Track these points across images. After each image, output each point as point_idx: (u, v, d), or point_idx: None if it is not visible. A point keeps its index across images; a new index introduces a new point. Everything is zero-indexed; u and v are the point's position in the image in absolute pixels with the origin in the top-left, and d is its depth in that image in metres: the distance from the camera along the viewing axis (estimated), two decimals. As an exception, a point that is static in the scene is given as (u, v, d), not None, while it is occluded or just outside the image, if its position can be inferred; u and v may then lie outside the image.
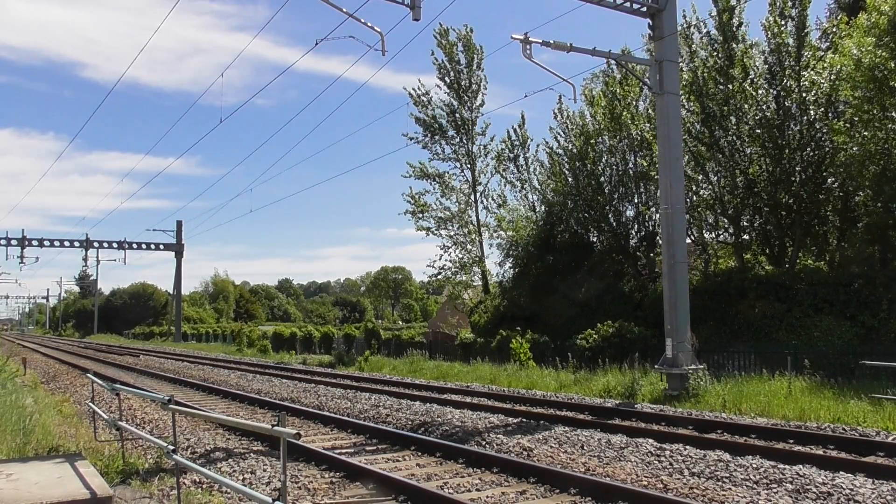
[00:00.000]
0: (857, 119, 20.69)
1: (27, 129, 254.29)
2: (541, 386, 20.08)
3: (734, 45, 24.45)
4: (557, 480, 8.38)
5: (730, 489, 8.12)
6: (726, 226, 26.69)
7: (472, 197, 36.92)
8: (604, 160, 30.29)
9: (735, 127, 24.34)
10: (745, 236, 26.16)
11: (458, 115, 36.68)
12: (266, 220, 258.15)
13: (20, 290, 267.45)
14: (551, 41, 16.89)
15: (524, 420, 13.56)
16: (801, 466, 9.00)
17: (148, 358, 41.35)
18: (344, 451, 10.82)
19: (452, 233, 36.58)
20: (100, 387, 11.65)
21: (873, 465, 9.01)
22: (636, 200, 30.00)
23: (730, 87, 24.02)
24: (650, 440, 11.01)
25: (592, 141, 30.25)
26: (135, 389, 12.63)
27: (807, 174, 23.26)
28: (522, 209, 35.12)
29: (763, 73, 24.11)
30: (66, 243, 67.64)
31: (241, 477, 9.06)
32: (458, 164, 37.01)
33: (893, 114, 19.52)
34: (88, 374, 13.69)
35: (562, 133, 32.13)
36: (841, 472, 8.71)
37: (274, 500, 5.30)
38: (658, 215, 24.96)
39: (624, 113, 28.86)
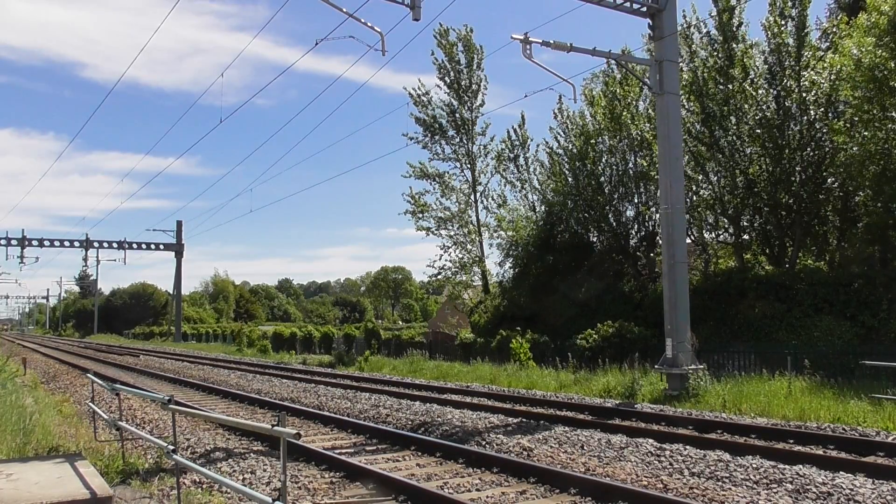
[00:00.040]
0: (857, 119, 20.69)
1: (27, 129, 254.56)
2: (541, 386, 20.08)
3: (734, 45, 24.46)
4: (557, 480, 8.38)
5: (730, 489, 8.12)
6: (726, 226, 26.69)
7: (472, 197, 36.94)
8: (604, 160, 30.29)
9: (735, 127, 24.34)
10: (745, 236, 26.16)
11: (458, 115, 36.68)
12: (266, 220, 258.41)
13: (20, 290, 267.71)
14: (551, 41, 16.90)
15: (524, 420, 13.56)
16: (801, 466, 9.00)
17: (148, 358, 41.35)
18: (344, 451, 10.82)
19: (452, 233, 36.59)
20: (100, 387, 11.65)
21: (873, 465, 9.01)
22: (636, 200, 30.01)
23: (730, 87, 24.02)
24: (650, 440, 11.01)
25: (592, 141, 30.25)
26: (135, 389, 12.63)
27: (807, 174, 23.26)
28: (522, 209, 35.15)
29: (763, 73, 24.11)
30: (66, 243, 67.68)
31: (241, 477, 9.06)
32: (458, 164, 37.06)
33: (893, 114, 19.51)
34: (88, 374, 13.69)
35: (562, 133, 32.16)
36: (841, 472, 8.71)
37: (274, 500, 5.30)
38: (658, 215, 24.96)
39: (624, 113, 28.86)
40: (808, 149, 23.25)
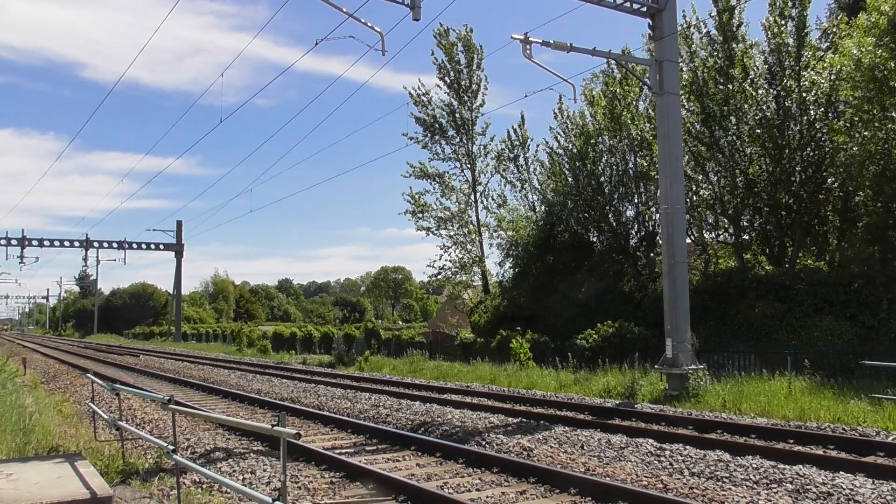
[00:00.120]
0: (857, 119, 20.69)
1: (27, 129, 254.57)
2: (541, 386, 20.08)
3: (734, 45, 24.46)
4: (557, 480, 8.38)
5: (730, 489, 8.12)
6: (726, 226, 26.69)
7: (472, 197, 36.93)
8: (604, 160, 30.29)
9: (735, 127, 24.34)
10: (745, 236, 26.16)
11: (458, 115, 36.66)
12: (266, 220, 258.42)
13: (20, 290, 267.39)
14: (551, 41, 16.89)
15: (524, 420, 13.56)
16: (801, 466, 9.00)
17: (148, 358, 41.35)
18: (344, 450, 10.82)
19: (452, 233, 36.58)
20: (100, 387, 11.66)
21: (873, 465, 9.01)
22: (636, 200, 30.01)
23: (730, 87, 24.02)
24: (650, 440, 11.01)
25: (592, 141, 30.25)
26: (135, 389, 12.64)
27: (807, 174, 23.26)
28: (522, 209, 35.15)
29: (763, 73, 24.11)
30: (66, 243, 67.66)
31: (241, 477, 9.06)
32: (458, 164, 37.04)
33: (893, 114, 19.51)
34: (88, 374, 13.69)
35: (562, 133, 32.16)
36: (841, 472, 8.71)
37: (274, 500, 5.30)
38: (658, 215, 24.96)
39: (624, 113, 28.86)
40: (808, 149, 23.25)
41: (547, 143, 36.62)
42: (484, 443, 11.29)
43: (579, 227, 31.22)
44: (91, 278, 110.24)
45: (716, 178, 25.63)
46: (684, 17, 24.84)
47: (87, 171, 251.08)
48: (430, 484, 8.50)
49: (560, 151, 32.15)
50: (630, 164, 29.56)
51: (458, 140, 36.86)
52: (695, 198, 25.97)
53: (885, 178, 19.82)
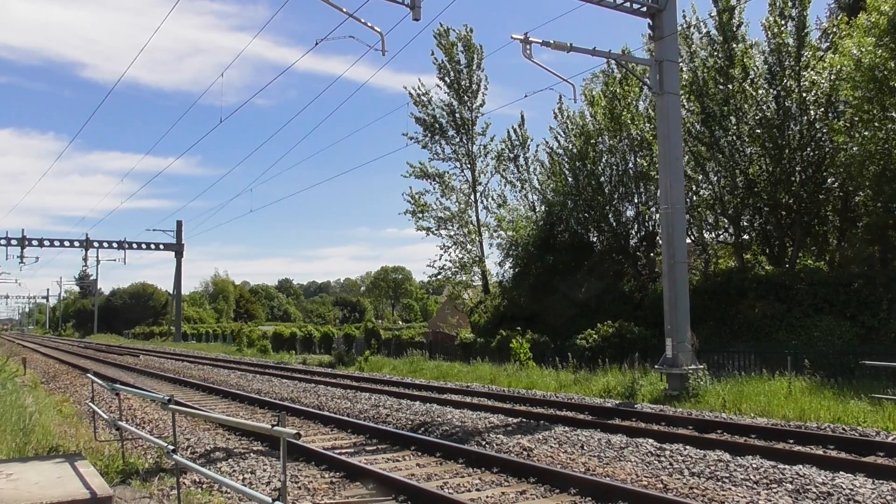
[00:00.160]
0: (857, 119, 20.69)
1: (27, 129, 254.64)
2: (541, 386, 20.07)
3: (734, 45, 24.46)
4: (557, 480, 8.38)
5: (730, 489, 8.12)
6: (726, 226, 26.69)
7: (472, 197, 36.92)
8: (604, 160, 30.29)
9: (735, 127, 24.34)
10: (745, 236, 26.16)
11: (458, 115, 36.66)
12: (266, 220, 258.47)
13: (20, 290, 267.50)
14: (551, 41, 16.89)
15: (524, 420, 13.56)
16: (801, 466, 9.00)
17: (148, 358, 41.35)
18: (344, 450, 10.82)
19: (452, 233, 36.58)
20: (100, 387, 11.66)
21: (873, 465, 9.01)
22: (636, 200, 30.00)
23: (730, 87, 24.02)
24: (650, 440, 11.01)
25: (592, 141, 30.25)
26: (135, 389, 12.64)
27: (807, 174, 23.26)
28: (522, 209, 35.14)
29: (763, 73, 24.11)
30: (66, 243, 67.65)
31: (241, 477, 9.06)
32: (458, 164, 37.03)
33: (893, 114, 19.51)
34: (88, 374, 13.69)
35: (562, 133, 32.16)
36: (841, 472, 8.71)
37: (274, 500, 5.30)
38: (658, 215, 24.95)
39: (624, 113, 28.86)
40: (808, 149, 23.25)
41: (547, 143, 36.66)
42: (484, 443, 11.29)
43: (579, 227, 31.22)
44: (91, 278, 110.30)
45: (716, 178, 25.63)
46: (684, 17, 24.89)
47: (87, 171, 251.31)
48: (430, 484, 8.50)
49: (560, 151, 32.15)
50: (630, 164, 29.56)
51: (458, 140, 36.87)
52: (695, 198, 25.97)
53: (885, 178, 19.82)
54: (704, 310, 22.86)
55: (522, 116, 45.19)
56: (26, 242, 63.61)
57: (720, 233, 27.62)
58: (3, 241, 62.81)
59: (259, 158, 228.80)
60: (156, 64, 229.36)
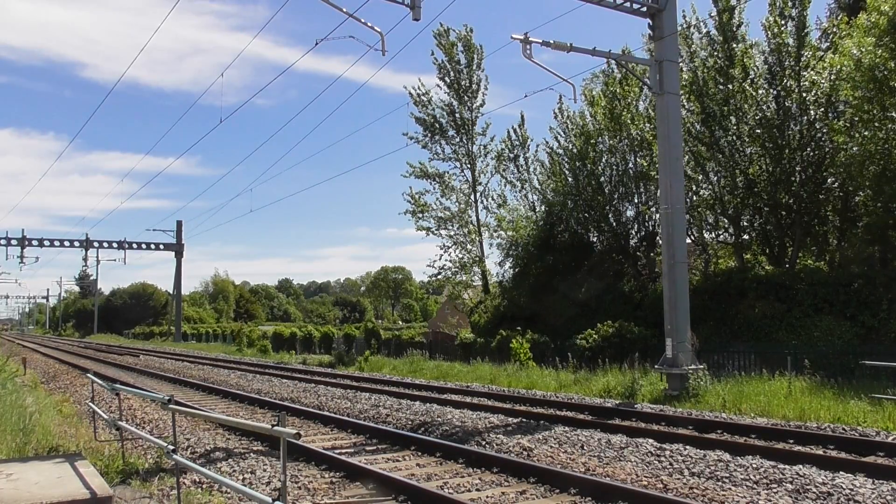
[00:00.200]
0: (857, 119, 20.70)
1: (27, 129, 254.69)
2: (541, 386, 20.07)
3: (734, 45, 24.46)
4: (557, 480, 8.38)
5: (730, 489, 8.12)
6: (726, 226, 26.69)
7: (472, 197, 36.93)
8: (604, 160, 30.29)
9: (735, 127, 24.34)
10: (745, 236, 26.16)
11: (458, 115, 36.66)
12: (266, 220, 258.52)
13: (20, 290, 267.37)
14: (551, 41, 16.89)
15: (524, 420, 13.56)
16: (801, 466, 9.00)
17: (148, 358, 41.35)
18: (344, 450, 10.82)
19: (452, 233, 36.58)
20: (100, 387, 11.66)
21: (873, 465, 9.01)
22: (636, 200, 30.01)
23: (730, 87, 24.02)
24: (650, 440, 11.01)
25: (592, 141, 30.25)
26: (135, 389, 12.64)
27: (807, 174, 23.26)
28: (522, 209, 35.15)
29: (763, 73, 24.11)
30: (66, 243, 67.65)
31: (241, 477, 9.06)
32: (458, 164, 37.04)
33: (893, 114, 19.51)
34: (88, 374, 13.69)
35: (562, 133, 32.17)
36: (841, 472, 8.71)
37: (274, 500, 5.30)
38: (658, 215, 24.95)
39: (624, 113, 28.86)
40: (808, 149, 23.25)
41: (547, 143, 36.68)
42: (484, 443, 11.29)
43: (579, 227, 31.22)
44: (91, 278, 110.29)
45: (716, 178, 25.63)
46: (684, 17, 24.88)
47: (87, 171, 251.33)
48: (430, 484, 8.50)
49: (560, 151, 32.15)
50: (630, 164, 29.56)
51: (458, 140, 36.87)
52: (695, 198, 25.97)
53: (885, 178, 19.82)
54: (704, 310, 22.86)
55: (522, 116, 45.22)
56: (26, 242, 63.63)
57: (720, 233, 27.63)
58: (3, 241, 62.83)
59: (259, 158, 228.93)
60: (156, 64, 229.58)
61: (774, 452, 9.95)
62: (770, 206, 24.07)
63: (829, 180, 23.57)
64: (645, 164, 27.78)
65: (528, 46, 16.69)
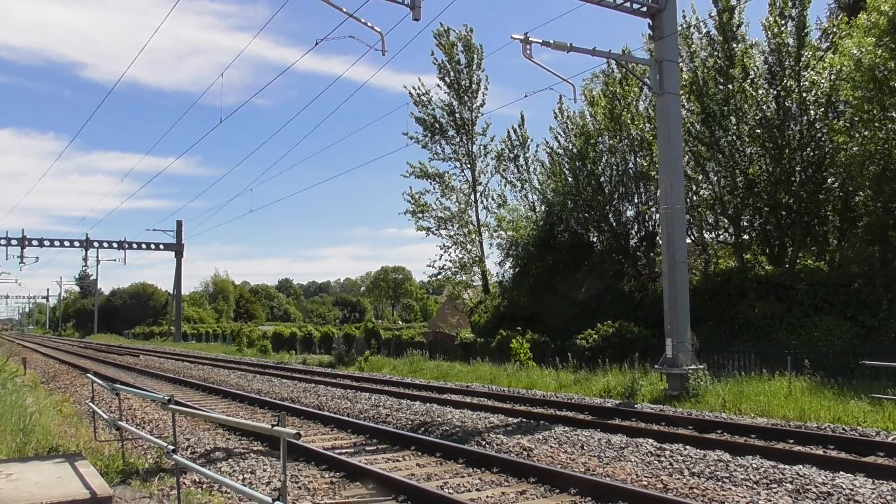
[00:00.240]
0: (857, 119, 20.70)
1: (27, 129, 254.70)
2: (541, 386, 20.08)
3: (734, 45, 24.46)
4: (557, 480, 8.38)
5: (730, 489, 8.12)
6: (726, 226, 26.69)
7: (472, 197, 36.93)
8: (604, 160, 30.30)
9: (735, 127, 24.34)
10: (745, 236, 26.16)
11: (458, 115, 36.66)
12: (266, 220, 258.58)
13: (20, 290, 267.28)
14: (551, 41, 16.89)
15: (524, 420, 13.56)
16: (801, 466, 9.00)
17: (148, 358, 41.35)
18: (344, 450, 10.82)
19: (452, 233, 36.58)
20: (100, 387, 11.66)
21: (873, 465, 9.01)
22: (636, 200, 30.01)
23: (730, 87, 24.02)
24: (650, 440, 11.01)
25: (592, 141, 30.26)
26: (135, 389, 12.63)
27: (807, 174, 23.26)
28: (522, 209, 35.15)
29: (763, 73, 24.11)
30: (66, 243, 67.66)
31: (241, 477, 9.06)
32: (458, 164, 37.04)
33: (893, 114, 19.51)
34: (88, 374, 13.69)
35: (562, 133, 32.17)
36: (841, 472, 8.71)
37: (274, 500, 5.30)
38: (658, 215, 24.95)
39: (624, 113, 28.87)
40: (808, 149, 23.25)
41: (547, 143, 36.69)
42: (484, 443, 11.29)
43: (579, 227, 31.22)
44: (91, 278, 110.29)
45: (716, 178, 25.63)
46: (684, 17, 24.88)
47: (87, 171, 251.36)
48: (430, 484, 8.50)
49: (560, 151, 32.16)
50: (630, 164, 29.56)
51: (458, 140, 36.87)
52: (695, 198, 25.97)
53: (885, 178, 19.81)
54: (704, 310, 22.86)
55: (522, 116, 45.21)
56: (26, 242, 63.63)
57: (720, 233, 27.63)
58: (3, 241, 62.83)
59: (259, 158, 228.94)
60: (156, 64, 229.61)
61: (774, 452, 9.95)
62: (770, 206, 24.07)
63: (829, 180, 23.58)
64: (645, 164, 27.78)
65: (528, 46, 16.69)
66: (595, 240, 31.58)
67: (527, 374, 22.13)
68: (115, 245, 70.38)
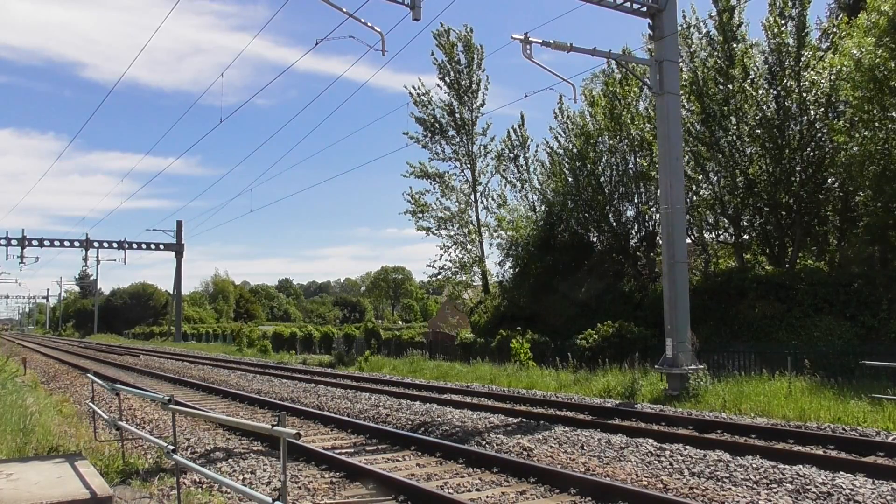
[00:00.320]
0: (857, 119, 20.70)
1: (27, 129, 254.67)
2: (541, 386, 20.07)
3: (734, 45, 24.47)
4: (557, 480, 8.38)
5: (730, 489, 8.12)
6: (726, 226, 26.70)
7: (472, 197, 36.94)
8: (604, 160, 30.30)
9: (735, 127, 24.35)
10: (745, 236, 26.17)
11: (458, 115, 36.67)
12: (266, 220, 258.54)
13: (20, 290, 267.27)
14: (551, 41, 16.89)
15: (524, 420, 13.56)
16: (801, 466, 9.00)
17: (148, 358, 41.35)
18: (344, 450, 10.82)
19: (452, 233, 36.59)
20: (100, 387, 11.65)
21: (873, 465, 9.01)
22: (636, 200, 30.01)
23: (730, 87, 24.03)
24: (650, 440, 11.01)
25: (592, 141, 30.26)
26: (135, 389, 12.63)
27: (807, 174, 23.26)
28: (522, 209, 35.16)
29: (763, 73, 24.11)
30: (66, 243, 67.67)
31: (241, 477, 9.06)
32: (458, 164, 37.06)
33: (893, 114, 19.51)
34: (88, 374, 13.69)
35: (562, 133, 32.19)
36: (841, 472, 8.71)
37: (274, 500, 5.30)
38: (658, 215, 24.95)
39: (624, 113, 28.87)
40: (808, 149, 23.25)
41: (547, 143, 36.67)
42: (484, 443, 11.29)
43: (579, 227, 31.23)
44: (91, 278, 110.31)
45: (716, 178, 25.64)
46: (684, 17, 24.90)
47: (87, 171, 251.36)
48: (430, 484, 8.50)
49: (560, 151, 32.17)
50: (630, 164, 29.57)
51: (458, 140, 36.88)
52: (695, 198, 25.97)
53: (885, 178, 19.82)
54: (704, 310, 22.86)
55: (522, 116, 45.09)
56: (26, 242, 63.64)
57: (720, 233, 27.64)
58: (3, 241, 62.84)
59: (259, 158, 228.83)
60: (156, 64, 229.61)
61: (774, 452, 9.95)
62: (770, 206, 24.08)
63: (829, 180, 23.59)
64: (645, 164, 27.78)
65: (528, 46, 16.69)
66: (595, 240, 31.59)
67: (527, 374, 22.13)
68: (115, 245, 70.40)
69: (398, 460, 10.20)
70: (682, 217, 18.08)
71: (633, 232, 30.36)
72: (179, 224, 74.70)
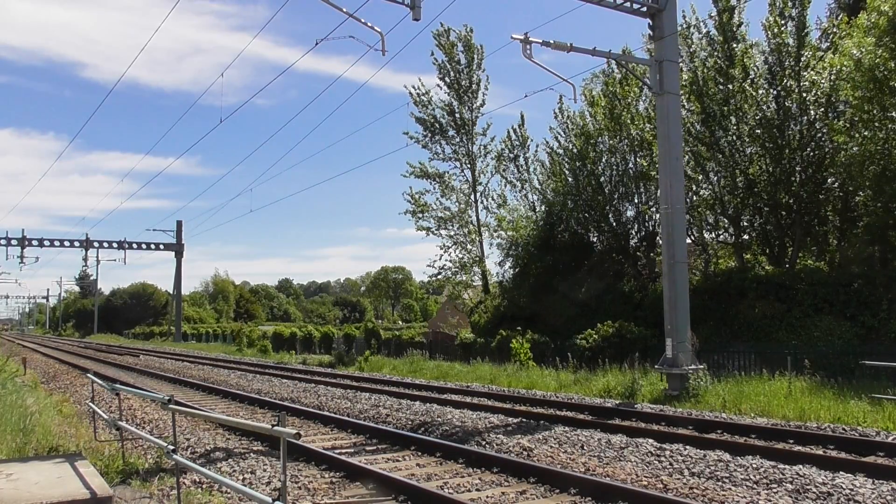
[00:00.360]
0: (857, 119, 20.70)
1: (27, 129, 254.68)
2: (541, 386, 20.07)
3: (734, 45, 24.47)
4: (557, 480, 8.38)
5: (730, 489, 8.12)
6: (726, 226, 26.70)
7: (472, 197, 36.94)
8: (604, 160, 30.31)
9: (735, 127, 24.35)
10: (745, 236, 26.17)
11: (458, 115, 36.67)
12: (266, 220, 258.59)
13: (20, 290, 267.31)
14: (551, 41, 16.89)
15: (524, 420, 13.56)
16: (801, 466, 9.00)
17: (148, 358, 41.35)
18: (344, 450, 10.82)
19: (452, 233, 36.59)
20: (100, 387, 11.65)
21: (873, 465, 9.01)
22: (636, 200, 30.02)
23: (730, 87, 24.03)
24: (650, 440, 11.01)
25: (592, 141, 30.27)
26: (135, 389, 12.63)
27: (807, 174, 23.26)
28: (522, 209, 35.16)
29: (763, 73, 24.12)
30: (66, 243, 67.67)
31: (241, 477, 9.06)
32: (458, 164, 37.06)
33: (893, 114, 19.51)
34: (88, 374, 13.69)
35: (562, 133, 32.20)
36: (841, 472, 8.71)
37: (274, 500, 5.30)
38: (658, 215, 24.95)
39: (624, 113, 28.87)
40: (808, 149, 23.25)
41: (547, 143, 36.68)
42: (484, 443, 11.29)
43: (579, 227, 31.23)
44: (91, 278, 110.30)
45: (716, 178, 25.64)
46: (684, 17, 24.90)
47: (87, 171, 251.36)
48: (430, 484, 8.50)
49: (560, 151, 32.17)
50: (630, 164, 29.57)
51: (458, 140, 36.88)
52: (695, 198, 25.97)
53: (885, 178, 19.82)
54: (704, 310, 22.86)
55: (522, 116, 45.06)
56: (26, 242, 63.64)
57: (720, 233, 27.64)
58: (3, 241, 62.84)
59: (259, 158, 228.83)
60: (156, 64, 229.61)
61: (774, 452, 9.95)
62: (770, 206, 24.08)
63: (829, 180, 23.59)
64: (645, 164, 27.79)
65: (528, 46, 16.69)
66: (595, 240, 31.59)
67: (527, 374, 22.13)
68: (115, 245, 70.41)
69: (398, 460, 10.20)
70: (682, 217, 18.08)
71: (633, 232, 30.37)
72: (179, 224, 74.79)
